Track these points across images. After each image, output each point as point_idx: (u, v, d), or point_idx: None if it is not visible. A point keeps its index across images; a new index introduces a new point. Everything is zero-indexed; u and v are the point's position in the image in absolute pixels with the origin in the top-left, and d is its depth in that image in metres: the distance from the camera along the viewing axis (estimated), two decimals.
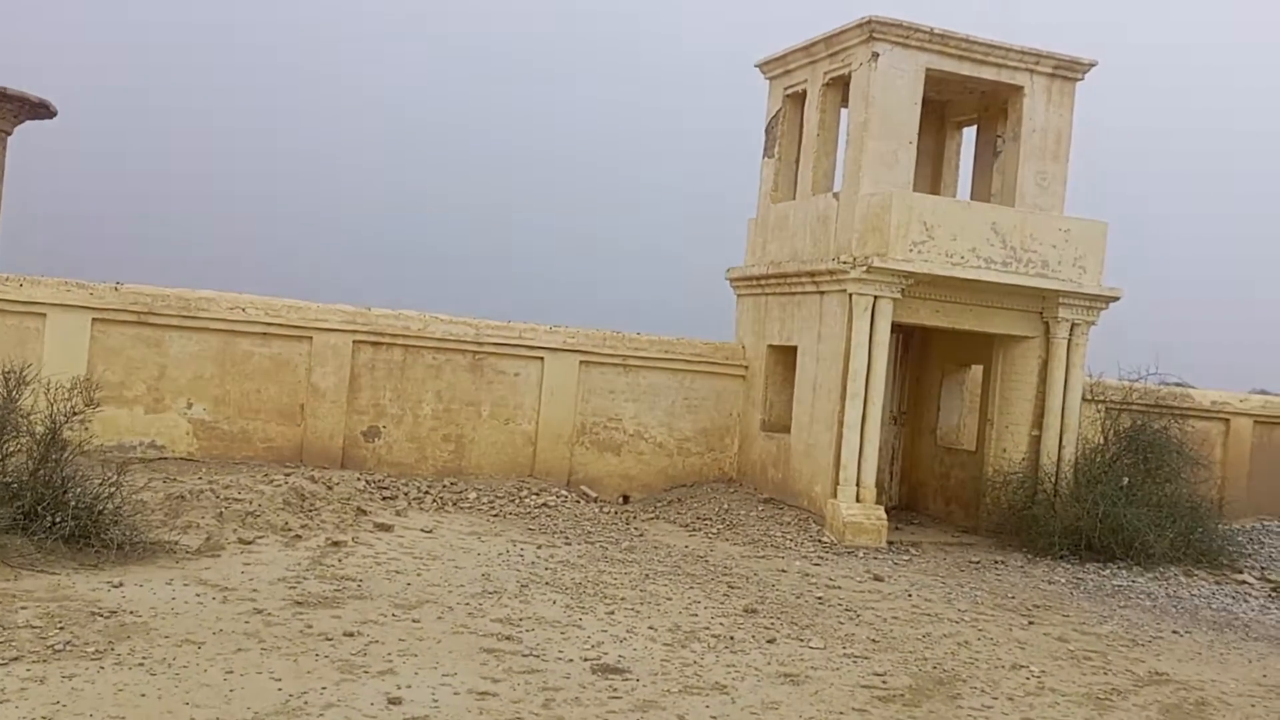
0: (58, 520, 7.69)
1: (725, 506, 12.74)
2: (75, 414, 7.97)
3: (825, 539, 11.71)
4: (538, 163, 43.15)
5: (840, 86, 13.30)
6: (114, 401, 11.83)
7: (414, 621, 7.00)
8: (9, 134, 22.37)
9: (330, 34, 47.28)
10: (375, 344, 12.83)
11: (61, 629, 6.01)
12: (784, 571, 10.05)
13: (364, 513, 10.29)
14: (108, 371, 11.84)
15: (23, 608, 6.31)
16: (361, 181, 44.01)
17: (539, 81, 47.29)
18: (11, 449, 7.80)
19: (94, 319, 11.83)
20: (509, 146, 43.73)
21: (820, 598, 9.04)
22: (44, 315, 11.67)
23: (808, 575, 9.97)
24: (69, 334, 11.72)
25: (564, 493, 12.70)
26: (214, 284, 12.66)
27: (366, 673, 5.89)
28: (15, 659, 5.48)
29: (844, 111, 13.45)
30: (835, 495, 12.10)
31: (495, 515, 11.43)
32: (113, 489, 8.02)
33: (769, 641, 7.41)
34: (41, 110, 22.62)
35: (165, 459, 11.98)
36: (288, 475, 10.98)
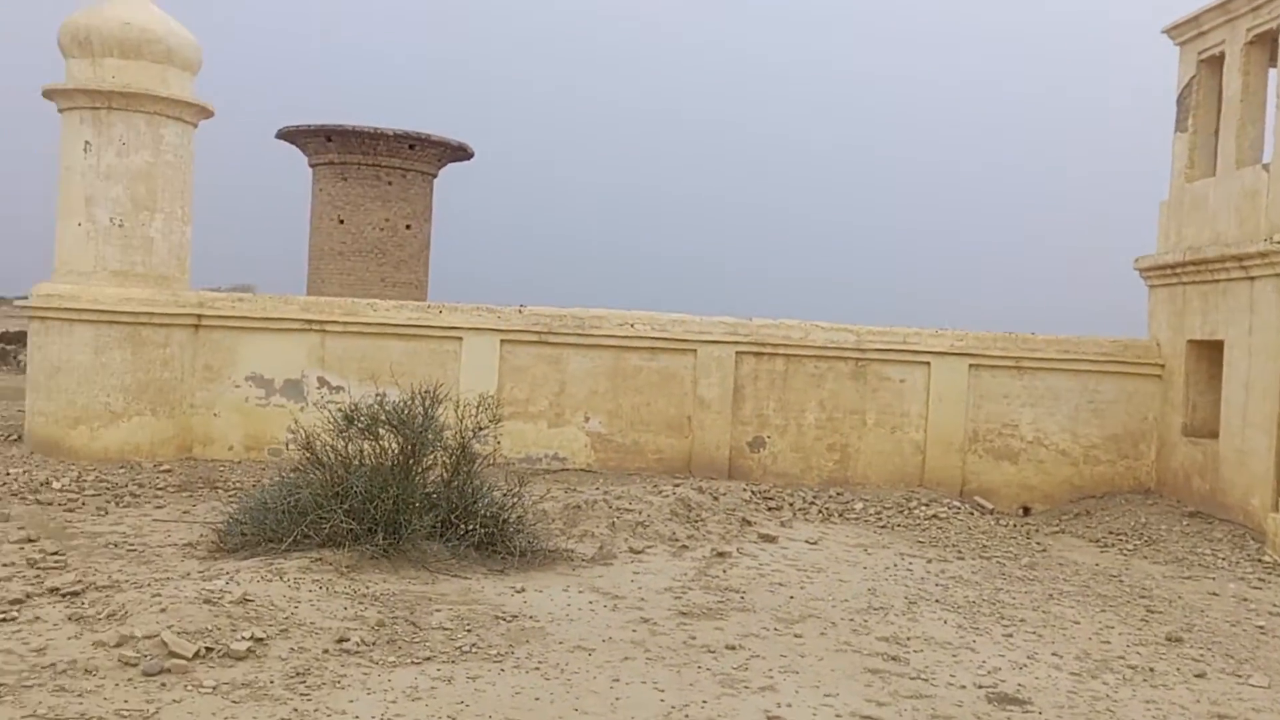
0: (470, 528, 8.31)
1: (1142, 520, 11.52)
2: (481, 429, 8.59)
3: (1266, 558, 10.24)
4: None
5: (1267, 43, 11.66)
6: (521, 416, 12.73)
7: (796, 637, 6.84)
8: (434, 175, 24.96)
9: None
10: (758, 354, 12.89)
11: (469, 631, 6.44)
12: (1215, 595, 8.88)
13: (749, 523, 10.30)
14: (515, 389, 12.76)
15: (437, 610, 6.83)
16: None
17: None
18: (430, 462, 8.53)
19: (502, 340, 12.79)
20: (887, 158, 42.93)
21: (1261, 626, 7.87)
22: (460, 339, 12.78)
23: (1245, 600, 8.74)
24: (482, 355, 12.75)
25: (956, 504, 12.07)
26: (605, 302, 13.32)
27: (747, 688, 5.81)
28: (427, 659, 5.92)
29: (1271, 73, 11.79)
30: (1277, 509, 10.56)
31: (882, 527, 11.05)
32: (516, 499, 8.56)
33: (1197, 676, 6.52)
34: (460, 153, 25.08)
35: (566, 470, 12.72)
36: (676, 486, 11.24)
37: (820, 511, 11.39)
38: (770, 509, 11.26)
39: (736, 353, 12.83)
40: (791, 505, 11.45)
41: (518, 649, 6.21)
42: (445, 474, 8.53)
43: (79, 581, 6.81)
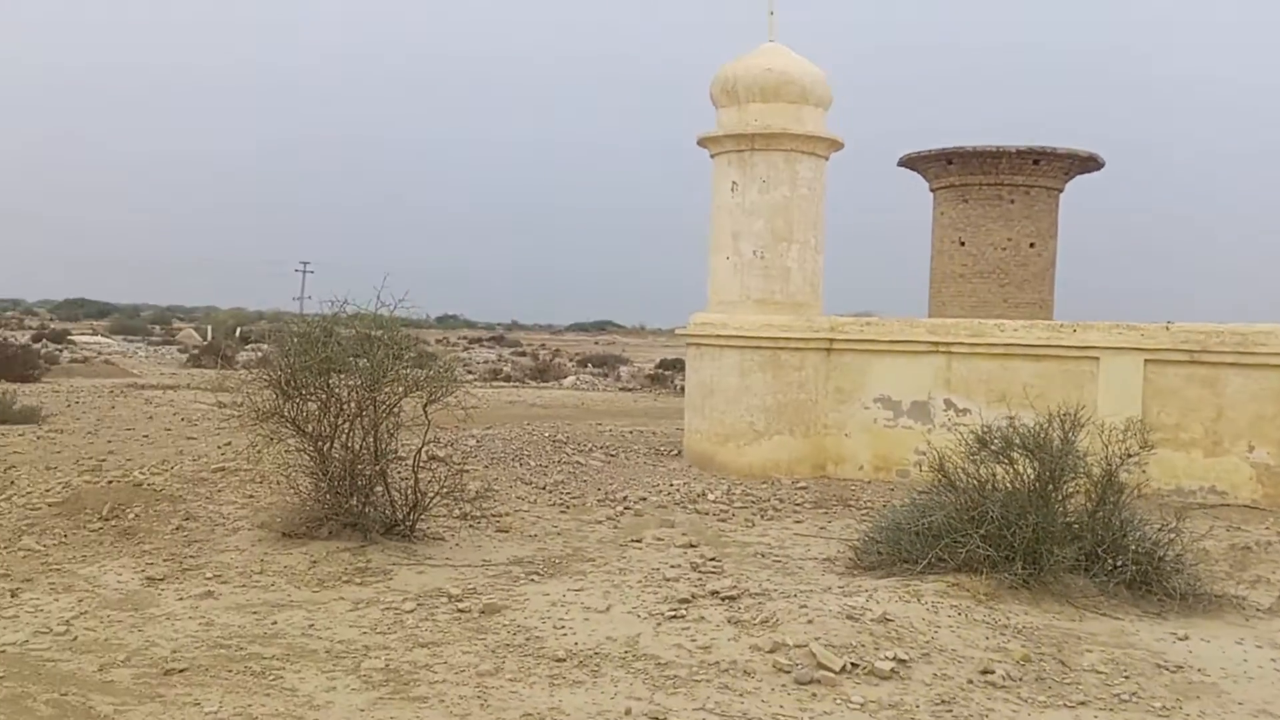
0: (1118, 564, 7.62)
1: None
2: (1129, 456, 7.85)
3: None
4: None
5: None
6: (1169, 444, 11.52)
7: None
8: (1060, 190, 23.80)
9: None
10: None
11: (1126, 678, 5.85)
12: None
13: None
14: (1162, 413, 11.59)
15: (1088, 650, 6.31)
16: None
17: None
18: (1070, 490, 7.98)
19: (1146, 360, 11.70)
20: None
21: None
22: (1096, 358, 11.91)
23: None
24: (1121, 376, 11.76)
25: None
26: (1269, 317, 11.62)
27: None
28: (1081, 703, 5.46)
29: None
30: None
31: None
32: (1172, 535, 7.69)
33: None
34: (1090, 164, 23.65)
35: (1227, 506, 11.25)
36: None
37: None
38: None
39: None
40: None
41: (1186, 704, 5.51)
42: (1089, 503, 7.92)
43: (735, 587, 7.32)
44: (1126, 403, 11.52)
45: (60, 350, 37.25)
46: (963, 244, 23.36)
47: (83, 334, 52.03)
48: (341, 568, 7.77)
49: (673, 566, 8.19)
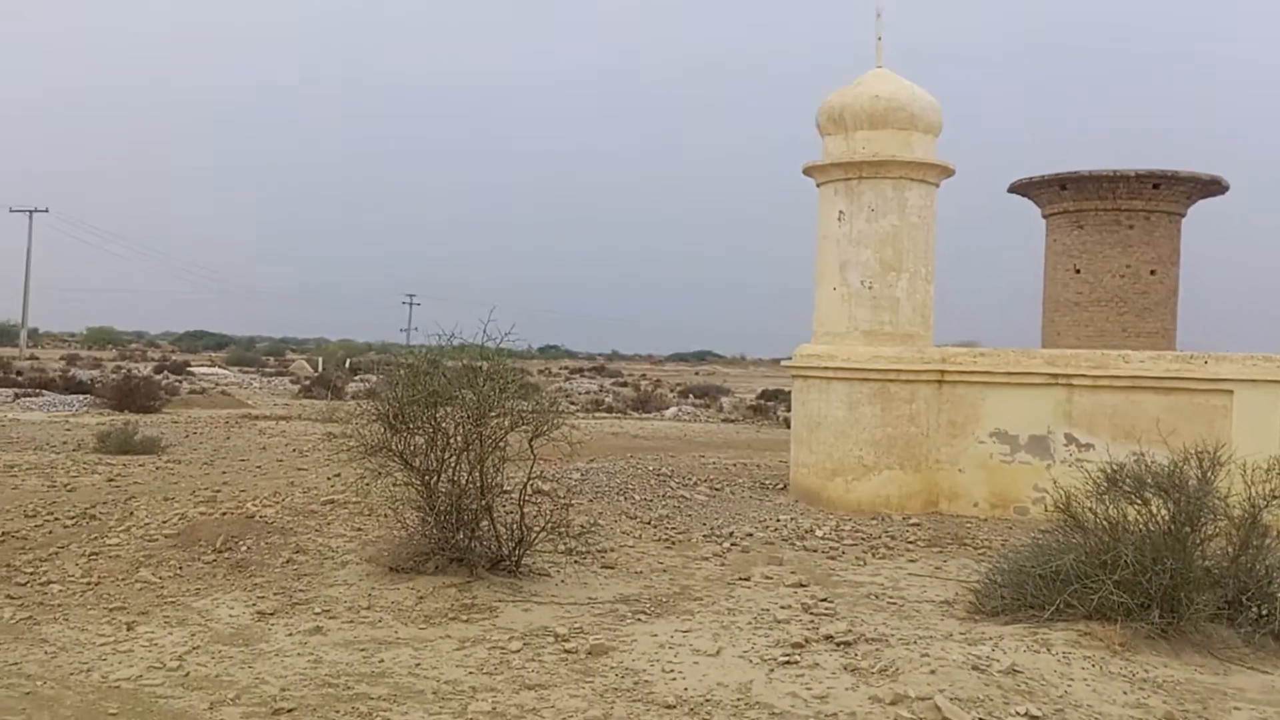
0: (1264, 612, 7.12)
1: None
2: (1275, 497, 7.34)
3: None
4: None
5: None
6: None
7: None
8: (1183, 215, 22.90)
9: None
10: None
11: None
12: None
13: None
14: None
15: (1235, 708, 5.88)
16: None
17: None
18: (1211, 532, 7.50)
19: None
20: None
21: None
22: (1230, 391, 11.30)
23: None
24: (1257, 411, 11.13)
25: None
26: None
27: None
28: None
29: None
30: None
31: None
32: None
33: None
34: (1214, 187, 22.72)
35: None
36: None
37: None
38: None
39: None
40: None
41: None
42: (1230, 547, 7.43)
43: (850, 631, 7.03)
44: (1264, 439, 10.85)
45: (180, 381, 38.54)
46: (1078, 271, 22.60)
47: (201, 365, 53.83)
48: (448, 604, 7.71)
49: (783, 607, 7.93)
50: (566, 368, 72.73)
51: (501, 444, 8.58)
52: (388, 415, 8.41)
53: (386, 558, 8.51)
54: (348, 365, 50.01)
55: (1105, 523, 7.64)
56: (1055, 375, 12.13)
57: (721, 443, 21.65)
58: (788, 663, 6.35)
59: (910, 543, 10.99)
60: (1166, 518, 7.58)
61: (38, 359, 52.89)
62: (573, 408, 33.48)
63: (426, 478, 8.52)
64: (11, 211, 70.50)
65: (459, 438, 8.53)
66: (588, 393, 40.86)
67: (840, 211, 12.86)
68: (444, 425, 8.58)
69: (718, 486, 13.62)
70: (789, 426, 24.68)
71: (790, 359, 13.53)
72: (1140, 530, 7.48)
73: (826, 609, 7.83)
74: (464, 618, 7.45)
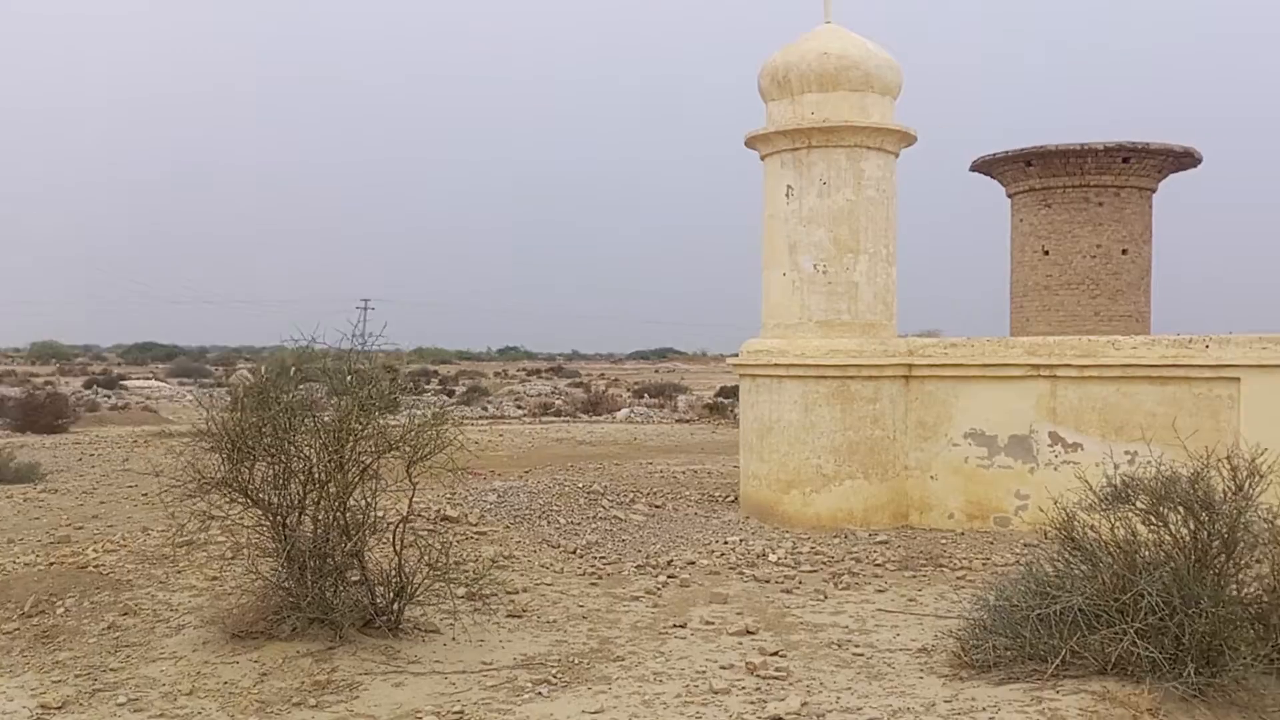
0: None
1: None
2: None
3: None
4: None
5: None
6: None
7: None
8: (1154, 190, 21.59)
9: None
10: None
11: None
12: None
13: None
14: None
15: None
16: None
17: None
18: (1248, 560, 6.01)
19: None
20: None
21: None
22: (1237, 379, 9.88)
23: None
24: (1268, 400, 9.71)
25: None
26: None
27: None
28: None
29: None
30: None
31: None
32: None
33: None
34: (1186, 160, 21.43)
35: None
36: None
37: None
38: None
39: None
40: None
41: None
42: (1276, 578, 5.94)
43: (805, 706, 5.48)
44: (1276, 433, 9.43)
45: (108, 396, 36.42)
46: (1047, 253, 21.24)
47: (142, 378, 51.51)
48: (297, 681, 6.06)
49: (724, 667, 6.37)
50: (524, 369, 70.91)
51: (372, 472, 6.95)
52: (225, 442, 6.75)
53: (232, 620, 6.83)
54: (292, 372, 47.93)
55: (1118, 550, 6.13)
56: (1037, 366, 10.65)
57: (672, 446, 20.10)
58: None
59: (878, 565, 9.46)
60: (1186, 538, 6.10)
61: None
62: (519, 412, 31.80)
63: (279, 517, 6.86)
64: None
65: (320, 467, 6.88)
66: (539, 395, 39.19)
67: (788, 186, 11.31)
68: (302, 452, 6.93)
69: (659, 502, 12.03)
70: None
71: (736, 356, 11.96)
72: (1163, 559, 5.97)
73: (778, 670, 6.26)
74: (313, 701, 5.80)
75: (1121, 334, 17.25)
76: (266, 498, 6.87)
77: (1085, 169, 20.72)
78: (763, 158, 11.72)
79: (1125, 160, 20.66)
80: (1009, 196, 22.35)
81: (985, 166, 22.32)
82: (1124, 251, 20.98)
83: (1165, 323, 21.57)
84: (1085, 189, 20.82)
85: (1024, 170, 21.39)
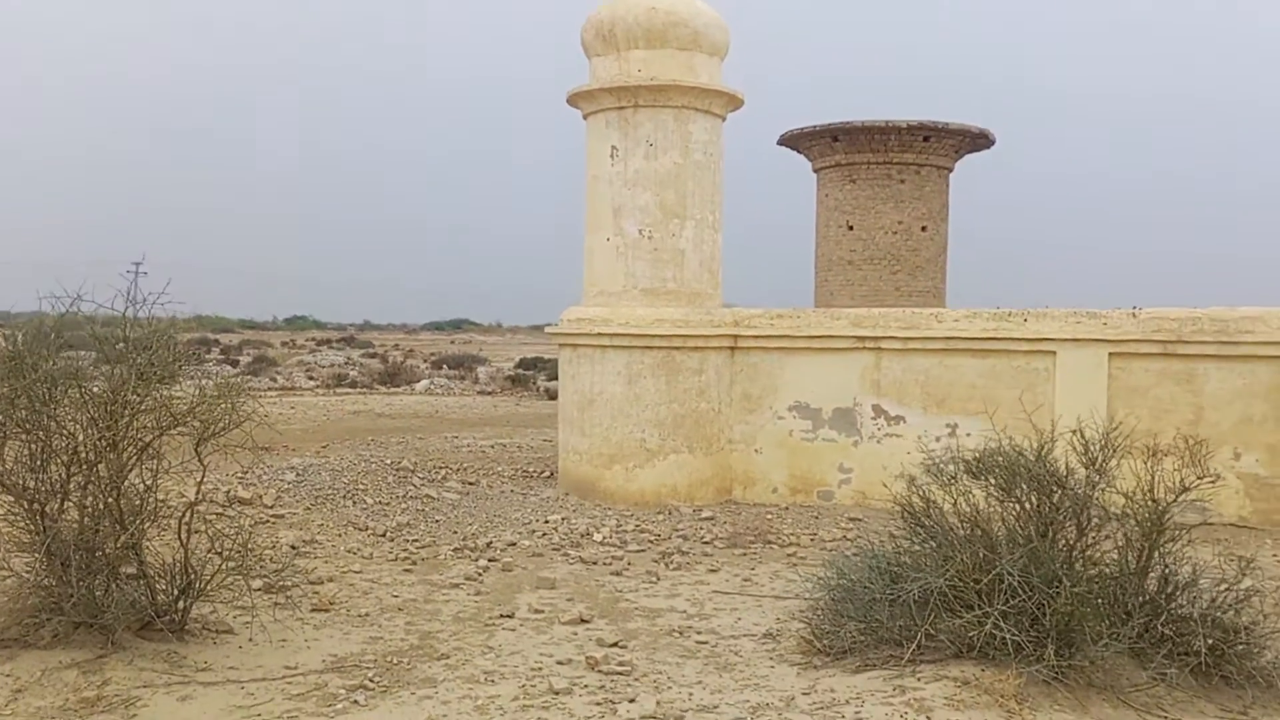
0: (1168, 634, 5.57)
1: None
2: (1185, 491, 5.79)
3: None
4: None
5: None
6: (1140, 453, 9.66)
7: None
8: (950, 170, 22.25)
9: None
10: None
11: None
12: None
13: None
14: (1130, 416, 9.72)
15: None
16: None
17: None
18: (1097, 537, 5.91)
19: (1110, 353, 9.85)
20: None
21: None
22: (1053, 353, 10.02)
23: None
24: (1082, 372, 9.89)
25: None
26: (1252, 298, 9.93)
27: None
28: None
29: None
30: None
31: None
32: (1240, 596, 5.67)
33: None
34: (981, 141, 22.16)
35: (1209, 524, 9.47)
36: None
37: None
38: None
39: None
40: None
41: None
42: (1125, 557, 5.84)
43: (658, 707, 4.97)
44: (1088, 404, 9.61)
45: None
46: (851, 228, 21.57)
47: None
48: (60, 698, 5.11)
49: (560, 663, 5.80)
50: (314, 339, 67.88)
51: (153, 451, 5.99)
52: None
53: None
54: (53, 338, 44.04)
55: (974, 529, 5.91)
56: (862, 339, 10.53)
57: (477, 419, 19.32)
58: None
59: (706, 543, 9.10)
60: (1039, 517, 5.94)
61: None
62: (310, 383, 30.16)
63: (36, 505, 5.81)
64: None
65: (88, 445, 5.87)
66: (331, 365, 37.40)
67: (613, 147, 10.76)
68: (66, 428, 5.90)
69: (472, 479, 11.34)
70: (551, 398, 22.63)
71: (556, 325, 11.36)
72: (1022, 539, 5.77)
73: (620, 664, 5.73)
74: None
75: (919, 309, 17.64)
76: (21, 481, 5.81)
77: (889, 146, 21.11)
78: (586, 116, 11.11)
79: (926, 139, 21.17)
80: (815, 172, 22.58)
81: (792, 141, 22.45)
82: (924, 228, 21.54)
83: (957, 299, 22.31)
84: (888, 166, 21.23)
85: (830, 145, 21.62)
